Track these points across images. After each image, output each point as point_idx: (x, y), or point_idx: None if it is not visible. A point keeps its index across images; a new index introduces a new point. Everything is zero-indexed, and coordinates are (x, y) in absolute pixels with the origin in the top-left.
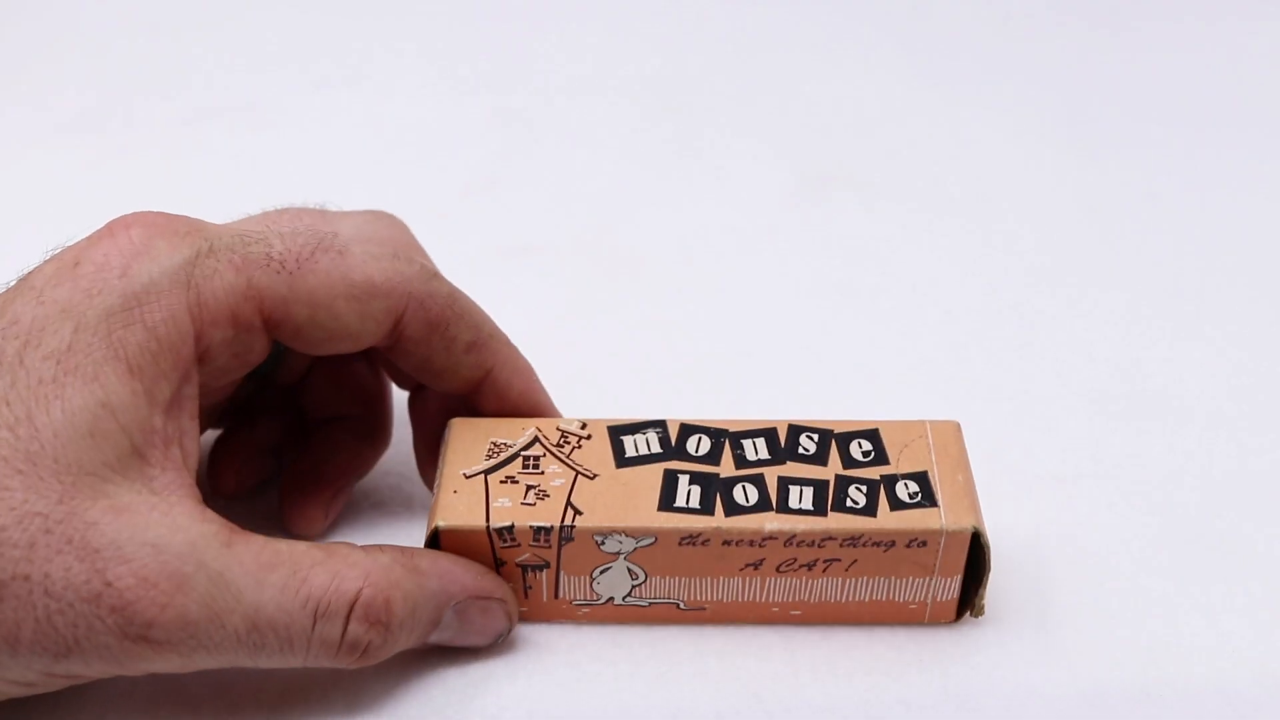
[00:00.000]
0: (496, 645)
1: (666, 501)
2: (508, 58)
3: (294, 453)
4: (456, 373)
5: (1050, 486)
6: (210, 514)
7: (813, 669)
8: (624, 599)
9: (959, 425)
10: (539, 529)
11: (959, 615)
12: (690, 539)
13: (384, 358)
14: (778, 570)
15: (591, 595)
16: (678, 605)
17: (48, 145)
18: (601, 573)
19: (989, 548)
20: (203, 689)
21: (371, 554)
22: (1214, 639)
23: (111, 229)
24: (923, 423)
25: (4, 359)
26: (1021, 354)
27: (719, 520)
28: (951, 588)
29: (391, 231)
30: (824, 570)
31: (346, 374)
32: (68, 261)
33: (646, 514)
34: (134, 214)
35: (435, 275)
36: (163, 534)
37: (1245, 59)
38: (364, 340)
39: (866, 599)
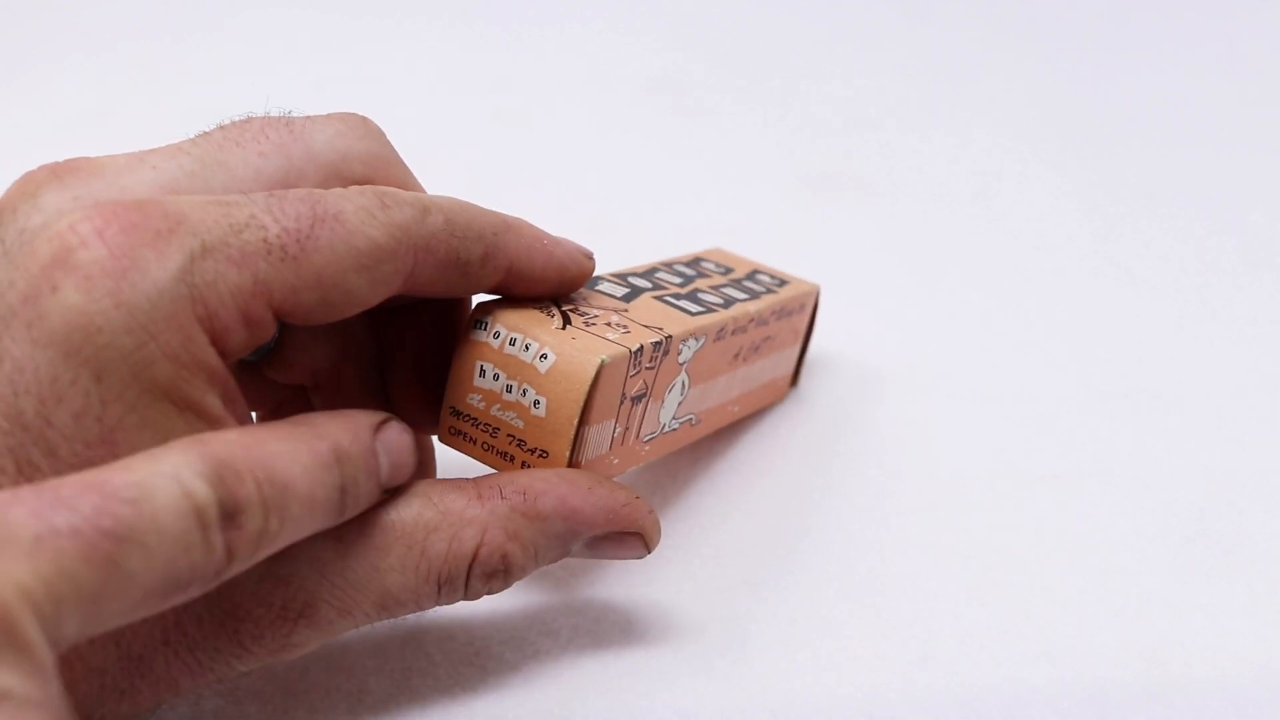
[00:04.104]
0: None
1: (686, 312)
2: (508, 58)
3: None
4: (479, 286)
5: (1050, 486)
6: None
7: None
8: (670, 421)
9: (720, 247)
10: (656, 343)
11: (793, 383)
12: (721, 332)
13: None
14: (745, 360)
15: (656, 424)
16: (690, 422)
17: (48, 145)
18: (669, 392)
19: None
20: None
21: (488, 503)
22: (1214, 639)
23: (78, 233)
24: (702, 251)
25: (26, 420)
26: (1022, 352)
27: (724, 314)
28: (794, 358)
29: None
30: (757, 351)
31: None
32: (44, 285)
33: (689, 320)
34: (96, 208)
35: (426, 209)
36: (270, 560)
37: (1246, 58)
38: (374, 303)
39: (767, 380)
